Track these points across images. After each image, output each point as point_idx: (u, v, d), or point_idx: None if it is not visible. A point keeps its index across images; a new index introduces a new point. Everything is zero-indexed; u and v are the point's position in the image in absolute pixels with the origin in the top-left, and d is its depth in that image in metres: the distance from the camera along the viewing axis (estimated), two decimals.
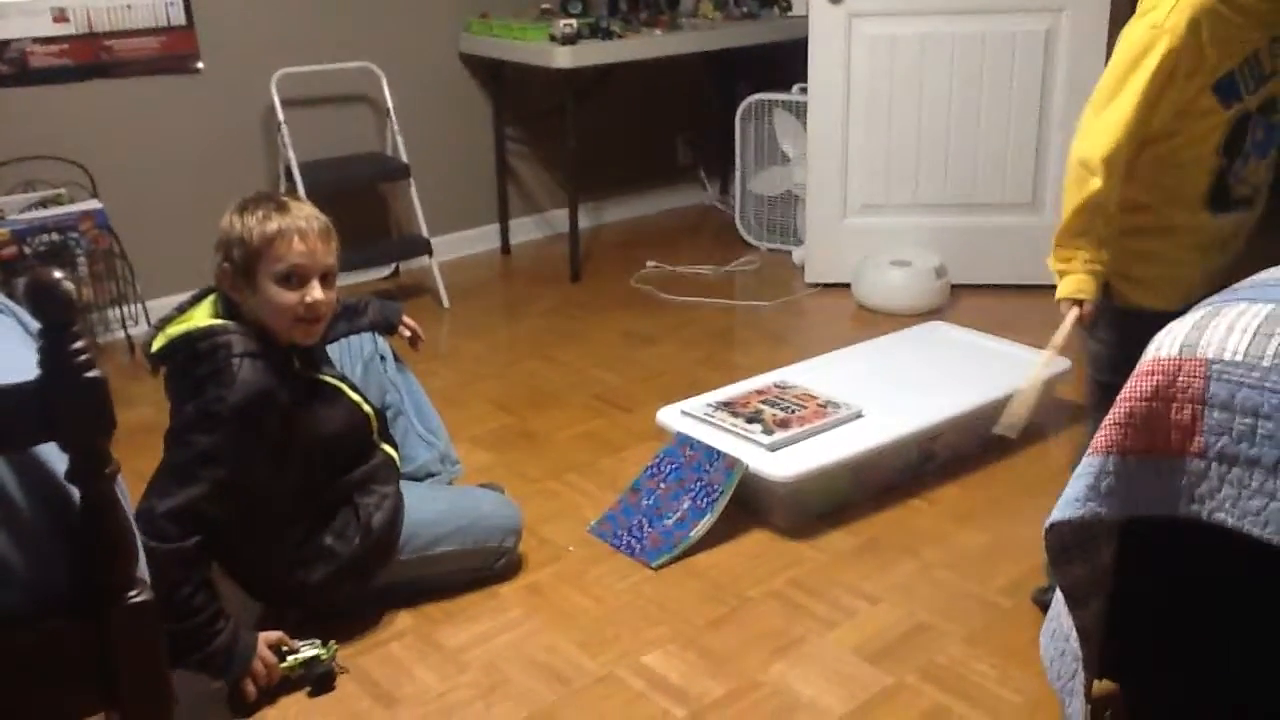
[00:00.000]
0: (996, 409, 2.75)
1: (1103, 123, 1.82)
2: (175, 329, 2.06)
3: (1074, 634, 1.62)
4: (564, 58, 3.94)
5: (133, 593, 1.33)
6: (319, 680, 2.06)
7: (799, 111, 4.19)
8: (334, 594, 2.17)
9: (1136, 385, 1.52)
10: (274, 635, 2.06)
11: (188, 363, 2.02)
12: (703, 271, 4.27)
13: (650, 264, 4.34)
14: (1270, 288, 1.56)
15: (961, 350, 3.09)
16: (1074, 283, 1.86)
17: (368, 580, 2.21)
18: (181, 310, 2.12)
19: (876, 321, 3.64)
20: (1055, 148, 3.77)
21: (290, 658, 2.05)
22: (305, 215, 2.08)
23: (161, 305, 3.67)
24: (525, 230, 4.74)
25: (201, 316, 2.07)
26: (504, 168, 4.59)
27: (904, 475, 2.67)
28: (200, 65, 3.79)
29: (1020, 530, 2.44)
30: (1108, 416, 1.55)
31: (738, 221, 4.61)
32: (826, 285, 4.03)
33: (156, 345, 2.07)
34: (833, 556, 2.41)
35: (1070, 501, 1.57)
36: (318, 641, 2.08)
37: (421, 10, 4.25)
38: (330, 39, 4.02)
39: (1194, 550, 1.56)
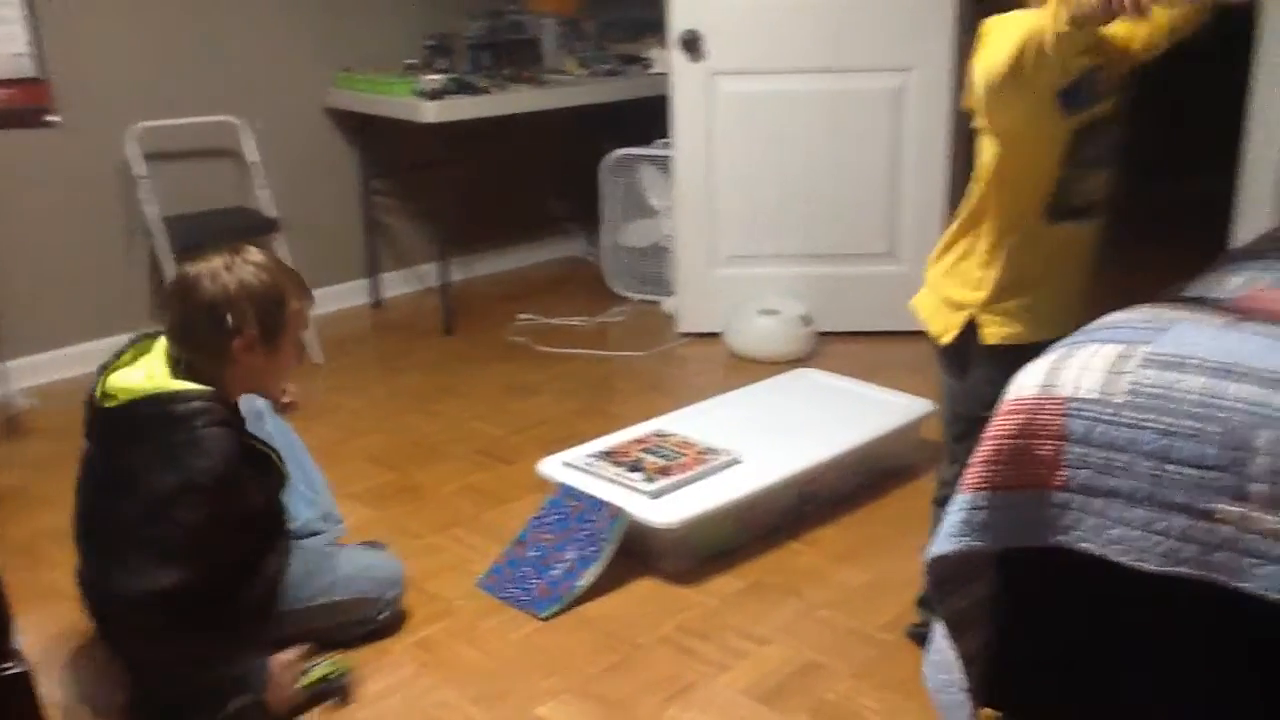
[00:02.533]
0: (868, 450, 2.90)
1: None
2: (136, 385, 1.92)
3: (958, 664, 1.70)
4: (430, 112, 3.96)
5: (7, 665, 1.29)
6: (342, 692, 2.12)
7: (664, 165, 4.29)
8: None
9: (1001, 424, 1.63)
10: (288, 654, 2.05)
11: (159, 427, 1.89)
12: (575, 323, 4.31)
13: (523, 316, 4.37)
14: (1119, 329, 1.69)
15: (830, 395, 3.20)
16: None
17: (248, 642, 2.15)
18: (118, 357, 2.01)
19: (747, 369, 3.74)
20: (908, 200, 3.96)
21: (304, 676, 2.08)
22: None
23: (19, 365, 3.58)
24: (395, 284, 4.71)
25: (164, 376, 1.94)
26: (373, 221, 4.56)
27: (784, 518, 2.74)
28: (55, 118, 3.68)
29: (898, 567, 2.53)
30: (976, 454, 1.64)
31: (607, 273, 4.68)
32: (698, 334, 4.12)
33: (113, 402, 1.92)
34: (720, 600, 2.46)
35: (946, 536, 1.66)
36: (329, 660, 2.13)
37: (285, 64, 4.22)
38: (191, 92, 3.95)
39: (1078, 577, 1.66)
